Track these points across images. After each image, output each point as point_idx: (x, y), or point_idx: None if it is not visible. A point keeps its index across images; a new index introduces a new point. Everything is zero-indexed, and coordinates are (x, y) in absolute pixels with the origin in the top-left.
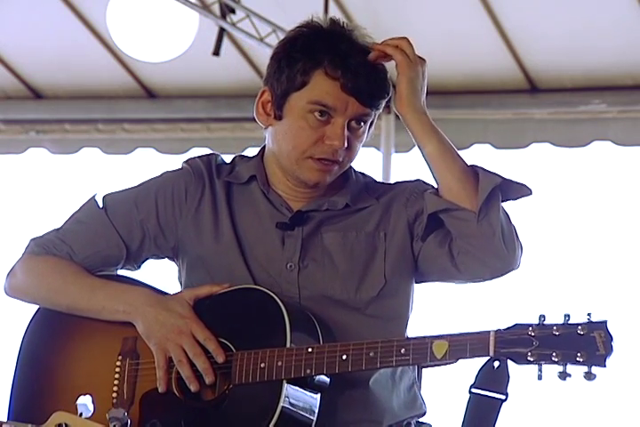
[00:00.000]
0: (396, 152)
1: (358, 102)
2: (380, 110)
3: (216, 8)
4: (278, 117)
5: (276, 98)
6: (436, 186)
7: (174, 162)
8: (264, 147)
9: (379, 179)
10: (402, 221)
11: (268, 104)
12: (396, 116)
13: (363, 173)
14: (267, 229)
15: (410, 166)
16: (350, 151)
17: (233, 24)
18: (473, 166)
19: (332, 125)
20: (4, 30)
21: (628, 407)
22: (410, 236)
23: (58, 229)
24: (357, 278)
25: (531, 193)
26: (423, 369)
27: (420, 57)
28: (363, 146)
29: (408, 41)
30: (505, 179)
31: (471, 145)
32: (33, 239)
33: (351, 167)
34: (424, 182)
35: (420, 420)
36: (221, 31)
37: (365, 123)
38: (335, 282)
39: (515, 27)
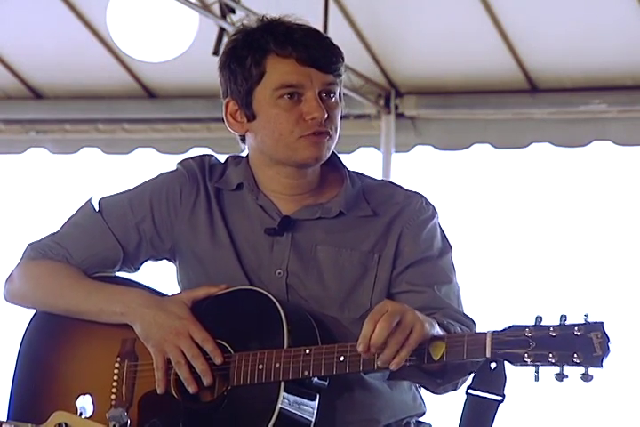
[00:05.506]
0: (396, 152)
1: (319, 72)
2: (342, 76)
3: (216, 8)
4: (252, 117)
5: (242, 101)
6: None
7: (174, 162)
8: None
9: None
10: (394, 247)
11: (236, 113)
12: (396, 116)
13: (358, 173)
14: (257, 234)
15: (410, 166)
16: (332, 121)
17: (233, 24)
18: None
19: (305, 102)
20: (3, 30)
21: (625, 409)
22: (392, 265)
23: (54, 233)
24: (343, 297)
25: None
26: None
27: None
28: (363, 146)
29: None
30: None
31: (471, 145)
32: (30, 244)
33: (345, 168)
34: (426, 202)
35: (420, 420)
36: (221, 31)
37: (334, 93)
38: (320, 296)
39: (515, 27)
